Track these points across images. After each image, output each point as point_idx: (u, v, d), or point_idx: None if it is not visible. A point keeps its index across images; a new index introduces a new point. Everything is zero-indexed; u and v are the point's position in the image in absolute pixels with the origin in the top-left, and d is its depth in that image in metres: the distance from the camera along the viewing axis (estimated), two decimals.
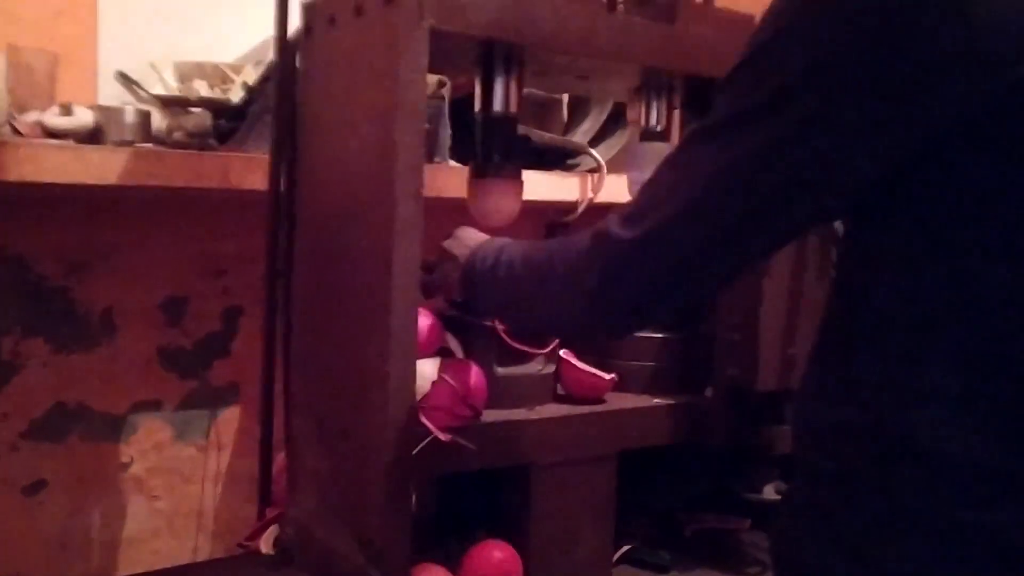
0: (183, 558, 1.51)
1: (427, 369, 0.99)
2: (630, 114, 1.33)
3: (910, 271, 0.66)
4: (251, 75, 1.48)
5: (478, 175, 1.09)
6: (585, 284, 0.76)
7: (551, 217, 1.78)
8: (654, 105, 1.26)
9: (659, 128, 1.22)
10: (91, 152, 1.21)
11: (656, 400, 1.13)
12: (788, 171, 0.65)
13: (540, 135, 1.64)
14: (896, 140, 0.63)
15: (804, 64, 0.63)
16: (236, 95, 1.46)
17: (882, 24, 0.60)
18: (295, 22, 1.13)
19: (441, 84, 1.54)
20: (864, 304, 0.70)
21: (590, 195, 1.67)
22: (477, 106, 1.10)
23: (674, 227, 0.70)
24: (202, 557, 1.52)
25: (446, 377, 0.98)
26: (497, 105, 1.08)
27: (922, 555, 0.64)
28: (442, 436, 0.95)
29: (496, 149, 1.09)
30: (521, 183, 1.11)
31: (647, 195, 0.75)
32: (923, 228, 0.65)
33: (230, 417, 1.54)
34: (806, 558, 0.70)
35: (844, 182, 0.66)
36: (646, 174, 1.19)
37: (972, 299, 0.64)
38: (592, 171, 1.69)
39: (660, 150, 1.22)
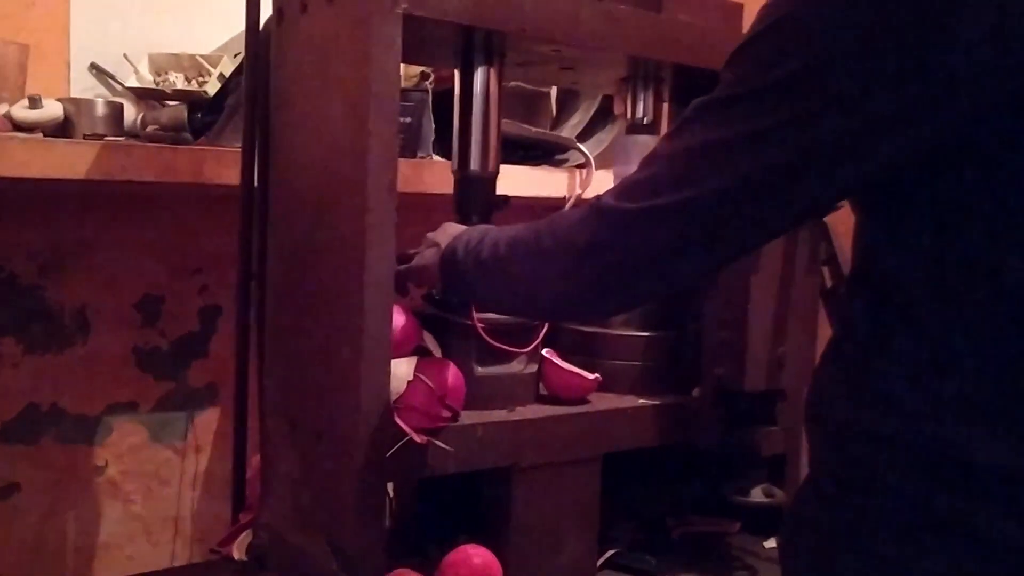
0: (160, 564, 1.47)
1: (403, 369, 0.95)
2: (617, 107, 1.29)
3: (942, 277, 0.62)
4: (228, 67, 1.44)
5: None
6: (576, 248, 0.72)
7: (539, 212, 1.74)
8: (641, 96, 1.22)
9: (646, 121, 1.19)
10: (58, 145, 1.18)
11: (642, 400, 1.10)
12: (808, 147, 0.62)
13: (527, 130, 1.60)
14: (922, 133, 0.60)
15: (838, 46, 0.60)
16: (212, 88, 1.43)
17: (918, 20, 0.57)
18: (268, 9, 1.09)
19: (424, 76, 1.50)
20: (890, 311, 0.66)
21: (578, 191, 1.64)
22: (456, 102, 1.07)
23: (676, 200, 0.67)
24: (180, 562, 1.49)
25: (422, 377, 0.94)
26: (478, 99, 1.05)
27: (955, 565, 0.61)
28: (417, 438, 0.91)
29: (474, 210, 1.07)
30: None
31: (647, 169, 0.71)
32: (955, 230, 0.62)
33: (208, 419, 1.51)
34: (831, 569, 0.67)
35: (864, 167, 0.62)
36: (633, 168, 1.16)
37: (1008, 303, 0.60)
38: (580, 166, 1.66)
39: (648, 143, 1.18)
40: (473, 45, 1.04)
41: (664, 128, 1.34)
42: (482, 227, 0.90)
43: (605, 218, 0.71)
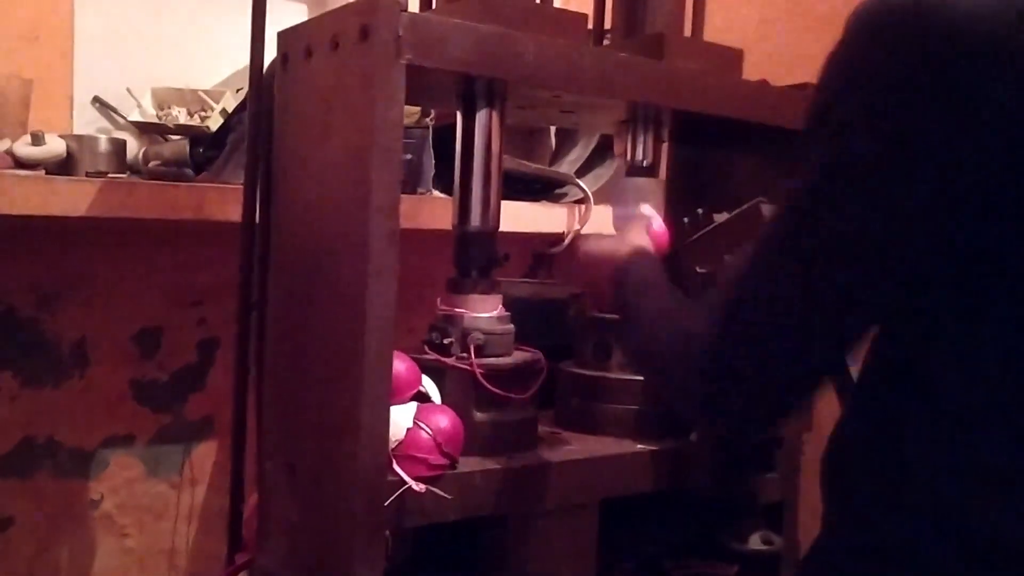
0: None
1: (402, 415, 0.95)
2: (617, 147, 1.30)
3: (965, 347, 0.63)
4: (230, 102, 1.45)
5: (454, 291, 1.06)
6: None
7: (538, 247, 1.75)
8: (641, 138, 1.23)
9: (645, 163, 1.19)
10: (61, 183, 1.18)
11: (640, 446, 1.10)
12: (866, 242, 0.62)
13: (527, 166, 1.61)
14: (965, 210, 0.60)
15: (877, 142, 0.61)
16: (215, 123, 1.43)
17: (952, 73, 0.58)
18: (272, 50, 1.10)
19: (425, 113, 1.51)
20: (916, 378, 0.66)
21: (577, 226, 1.65)
22: (457, 157, 1.07)
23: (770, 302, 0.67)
24: None
25: (421, 424, 0.94)
26: (479, 152, 1.05)
27: None
28: (416, 486, 0.91)
29: (473, 265, 1.06)
30: (500, 296, 1.08)
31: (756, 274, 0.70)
32: (976, 302, 0.62)
33: (205, 452, 1.50)
34: None
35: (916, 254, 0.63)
36: (631, 209, 1.17)
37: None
38: (579, 202, 1.66)
39: (646, 185, 1.19)
40: (475, 91, 1.05)
41: (663, 169, 1.34)
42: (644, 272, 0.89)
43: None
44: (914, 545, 0.64)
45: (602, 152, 1.69)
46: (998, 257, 0.61)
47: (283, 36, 1.05)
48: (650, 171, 1.23)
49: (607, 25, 1.28)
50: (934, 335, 0.65)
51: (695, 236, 1.07)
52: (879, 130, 0.60)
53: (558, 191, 1.68)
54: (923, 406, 0.65)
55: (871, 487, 0.68)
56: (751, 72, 1.21)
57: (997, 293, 0.62)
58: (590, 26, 1.29)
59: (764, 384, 0.68)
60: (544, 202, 1.64)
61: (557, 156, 1.73)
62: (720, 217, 1.06)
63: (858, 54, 0.62)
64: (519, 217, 1.55)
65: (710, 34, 1.27)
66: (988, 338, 0.62)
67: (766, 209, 0.99)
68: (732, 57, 1.18)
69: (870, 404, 0.71)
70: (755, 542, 1.12)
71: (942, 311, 0.64)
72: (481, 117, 1.06)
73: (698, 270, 1.06)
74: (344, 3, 0.95)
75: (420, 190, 1.48)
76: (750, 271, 0.69)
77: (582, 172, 1.70)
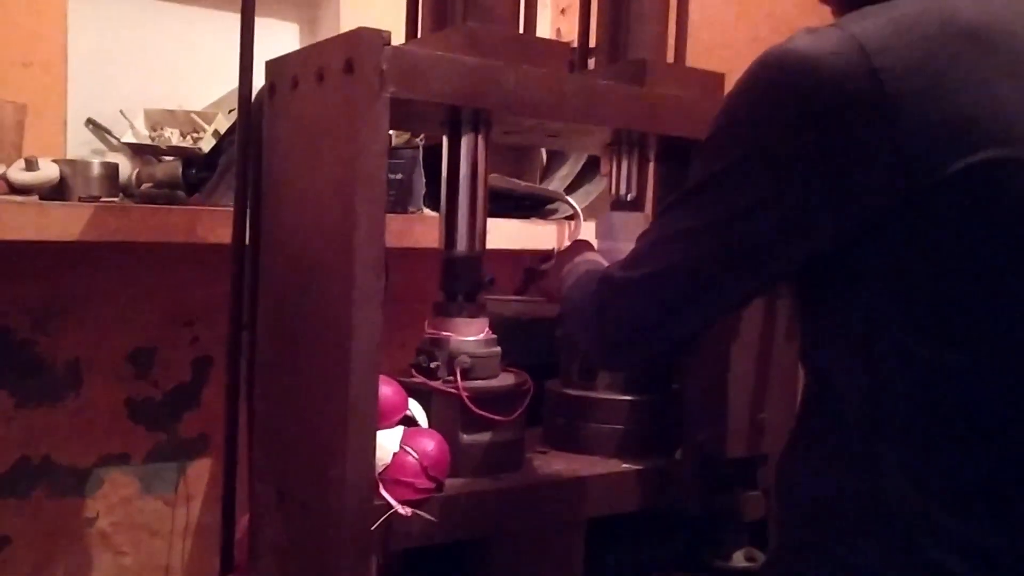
0: None
1: (389, 440, 0.97)
2: (604, 167, 1.32)
3: (859, 353, 0.71)
4: (222, 124, 1.47)
5: (441, 315, 1.08)
6: (587, 310, 0.89)
7: (529, 264, 1.76)
8: (626, 159, 1.25)
9: (630, 197, 1.22)
10: (54, 209, 1.20)
11: (625, 465, 1.11)
12: (741, 239, 0.75)
13: (516, 183, 1.63)
14: (831, 222, 0.70)
15: (752, 150, 0.73)
16: (207, 144, 1.45)
17: (818, 122, 0.69)
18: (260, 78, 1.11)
19: (415, 134, 1.53)
20: (825, 386, 0.77)
21: (567, 243, 1.66)
22: (444, 182, 1.09)
23: (657, 275, 0.81)
24: None
25: (408, 449, 0.96)
26: (464, 180, 1.07)
27: None
28: (403, 510, 0.93)
29: (460, 289, 1.08)
30: (486, 319, 1.10)
31: (642, 247, 0.85)
32: (865, 309, 0.70)
33: (200, 469, 1.52)
34: None
35: (788, 253, 0.74)
36: (619, 244, 1.18)
37: (920, 382, 0.69)
38: (569, 218, 1.68)
39: (631, 220, 1.21)
40: (460, 118, 1.07)
41: (650, 191, 1.36)
42: (591, 263, 1.06)
43: (607, 287, 0.86)
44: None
45: (592, 169, 1.70)
46: (877, 261, 0.70)
47: (271, 66, 1.07)
48: (635, 205, 1.25)
49: (592, 45, 1.30)
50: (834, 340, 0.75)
51: None
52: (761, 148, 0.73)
53: (548, 208, 1.70)
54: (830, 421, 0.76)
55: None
56: None
57: (879, 296, 0.70)
58: (575, 47, 1.32)
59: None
60: (534, 219, 1.65)
61: (547, 173, 1.75)
62: None
63: (755, 96, 0.74)
64: (509, 234, 1.56)
65: (699, 53, 1.28)
66: (873, 344, 0.71)
67: None
68: (714, 81, 1.19)
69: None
70: (739, 559, 1.13)
71: (834, 314, 0.74)
72: (466, 143, 1.08)
73: None
74: (333, 29, 0.97)
75: (411, 209, 1.50)
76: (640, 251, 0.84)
77: (572, 189, 1.71)
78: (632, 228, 1.18)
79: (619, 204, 1.22)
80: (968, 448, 0.68)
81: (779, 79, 0.71)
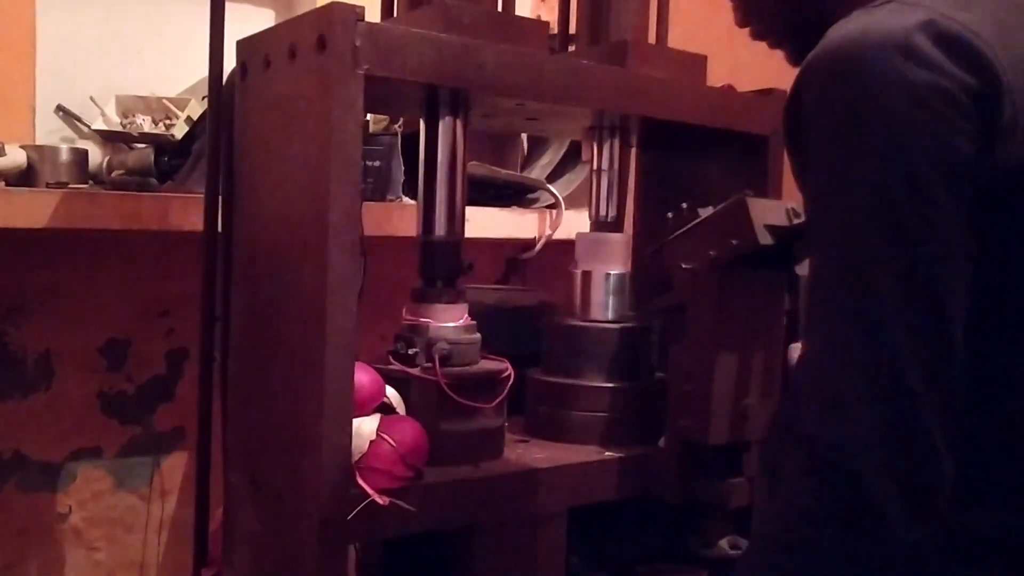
0: None
1: (365, 427, 0.94)
2: (585, 153, 1.30)
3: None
4: (195, 110, 1.44)
5: (419, 300, 1.05)
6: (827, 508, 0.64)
7: (510, 253, 1.75)
8: (607, 143, 1.23)
9: (610, 218, 1.22)
10: (21, 195, 1.17)
11: (608, 453, 1.09)
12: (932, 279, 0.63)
13: (497, 172, 1.61)
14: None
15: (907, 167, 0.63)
16: (180, 131, 1.42)
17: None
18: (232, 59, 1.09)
19: (394, 120, 1.51)
20: None
21: (548, 231, 1.64)
22: (421, 165, 1.06)
23: (893, 379, 0.62)
24: None
25: (385, 436, 0.94)
26: (443, 161, 1.05)
27: None
28: (380, 499, 0.91)
29: (438, 274, 1.05)
30: (466, 305, 1.07)
31: (828, 372, 0.65)
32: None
33: (175, 464, 1.49)
34: None
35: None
36: (601, 266, 1.16)
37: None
38: (551, 207, 1.66)
39: (612, 241, 1.19)
40: (437, 100, 1.05)
41: (632, 177, 1.34)
42: None
43: (842, 462, 0.63)
44: None
45: (574, 157, 1.69)
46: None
47: (242, 45, 1.05)
48: (615, 226, 1.23)
49: (572, 31, 1.28)
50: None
51: (679, 231, 1.05)
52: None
53: (529, 196, 1.68)
54: None
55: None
56: (719, 78, 1.21)
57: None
58: (555, 33, 1.29)
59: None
60: (515, 207, 1.63)
61: (529, 161, 1.73)
62: (705, 212, 1.04)
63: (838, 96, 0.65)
64: (490, 223, 1.54)
65: (678, 39, 1.26)
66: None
67: (751, 202, 0.97)
68: (697, 63, 1.18)
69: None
70: (723, 547, 1.12)
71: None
72: (444, 125, 1.06)
73: (683, 266, 1.05)
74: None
75: (390, 197, 1.48)
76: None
77: (554, 177, 1.69)
78: (611, 248, 1.17)
79: (599, 225, 1.22)
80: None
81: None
